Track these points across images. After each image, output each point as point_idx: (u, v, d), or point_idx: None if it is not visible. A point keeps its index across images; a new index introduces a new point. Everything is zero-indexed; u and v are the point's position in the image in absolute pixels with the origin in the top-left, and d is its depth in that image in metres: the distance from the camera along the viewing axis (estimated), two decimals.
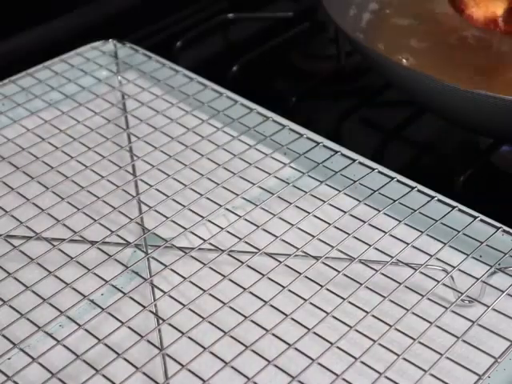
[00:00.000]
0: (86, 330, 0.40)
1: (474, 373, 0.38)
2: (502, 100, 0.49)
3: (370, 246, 0.44)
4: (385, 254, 0.44)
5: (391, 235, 0.45)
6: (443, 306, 0.41)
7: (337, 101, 0.69)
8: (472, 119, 0.53)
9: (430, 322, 0.40)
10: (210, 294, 0.42)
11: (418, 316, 0.41)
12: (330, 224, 0.46)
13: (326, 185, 0.49)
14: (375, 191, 0.48)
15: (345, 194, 0.49)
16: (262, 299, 0.42)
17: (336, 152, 0.51)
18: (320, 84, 0.68)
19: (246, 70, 0.68)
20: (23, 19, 0.67)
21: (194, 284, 0.42)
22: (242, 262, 0.43)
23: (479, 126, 0.55)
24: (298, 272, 0.43)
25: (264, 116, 0.54)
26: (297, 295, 0.42)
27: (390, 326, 0.40)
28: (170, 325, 0.40)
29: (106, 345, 0.39)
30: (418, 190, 0.48)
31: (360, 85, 0.70)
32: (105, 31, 0.64)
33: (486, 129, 0.55)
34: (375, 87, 0.66)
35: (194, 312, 0.41)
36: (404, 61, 0.57)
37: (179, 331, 0.40)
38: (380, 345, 0.39)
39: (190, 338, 0.40)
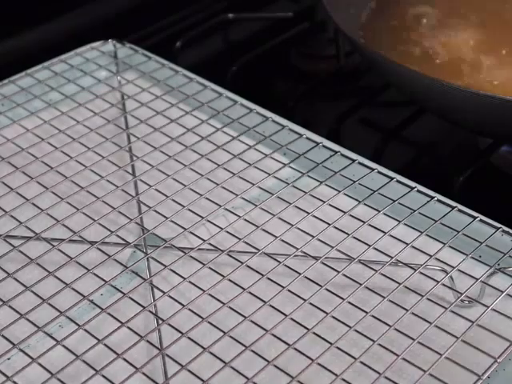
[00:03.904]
0: (86, 331, 0.40)
1: (474, 373, 0.38)
2: (502, 100, 0.49)
3: (369, 246, 0.44)
4: (384, 254, 0.44)
5: (391, 235, 0.45)
6: (443, 307, 0.41)
7: (336, 101, 0.69)
8: (472, 119, 0.53)
9: (429, 322, 0.40)
10: (210, 295, 0.42)
11: (417, 316, 0.41)
12: (329, 224, 0.46)
13: (326, 185, 0.49)
14: (375, 191, 0.48)
15: (344, 194, 0.49)
16: (261, 299, 0.41)
17: (335, 152, 0.51)
18: (319, 84, 0.68)
19: (246, 70, 0.68)
20: (23, 19, 0.67)
21: (193, 284, 0.42)
22: (242, 263, 0.43)
23: (479, 126, 0.55)
24: (298, 272, 0.43)
25: (263, 116, 0.54)
26: (296, 295, 0.42)
27: (390, 326, 0.40)
28: (169, 325, 0.40)
29: (105, 345, 0.39)
30: (418, 191, 0.48)
31: (360, 85, 0.70)
32: (104, 31, 0.64)
33: (486, 129, 0.55)
34: (375, 87, 0.66)
35: (193, 312, 0.41)
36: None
37: (179, 331, 0.40)
38: (379, 345, 0.39)
39: (189, 338, 0.40)
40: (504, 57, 0.59)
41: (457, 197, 0.49)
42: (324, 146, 0.52)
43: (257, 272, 0.43)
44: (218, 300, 0.41)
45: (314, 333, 0.40)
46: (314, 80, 0.68)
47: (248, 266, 0.43)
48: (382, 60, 0.54)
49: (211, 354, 0.39)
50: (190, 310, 0.41)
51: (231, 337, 0.40)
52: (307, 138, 0.52)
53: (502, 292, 0.42)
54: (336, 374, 0.38)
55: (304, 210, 0.47)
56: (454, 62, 0.59)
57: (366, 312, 0.41)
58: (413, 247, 0.45)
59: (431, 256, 0.44)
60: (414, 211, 0.47)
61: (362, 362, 0.38)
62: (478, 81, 0.57)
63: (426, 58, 0.60)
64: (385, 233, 0.45)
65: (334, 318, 0.41)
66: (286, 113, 0.57)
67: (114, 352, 0.39)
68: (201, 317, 0.40)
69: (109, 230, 0.46)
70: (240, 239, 0.45)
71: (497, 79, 0.57)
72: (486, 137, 0.59)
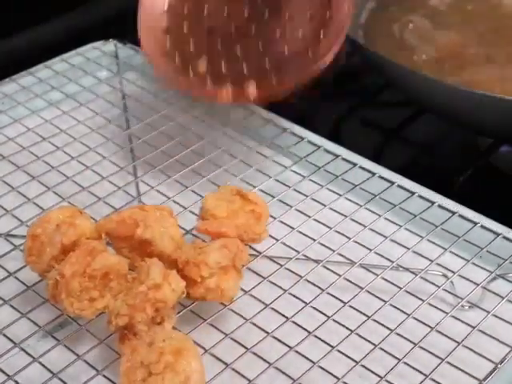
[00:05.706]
0: (87, 331, 0.40)
1: (474, 377, 0.38)
2: (501, 100, 0.49)
3: (370, 250, 0.45)
4: (385, 258, 0.44)
5: (392, 240, 0.45)
6: (443, 311, 0.41)
7: (337, 101, 0.68)
8: (472, 119, 0.53)
9: (430, 326, 0.40)
10: None
11: (418, 320, 0.41)
12: (330, 228, 0.46)
13: (327, 189, 0.49)
14: (376, 196, 0.48)
15: (346, 198, 0.49)
16: (263, 302, 0.42)
17: (337, 156, 0.51)
18: (320, 84, 0.68)
19: None
20: (23, 19, 0.67)
21: None
22: (243, 265, 0.43)
23: (479, 126, 0.55)
24: (299, 275, 0.43)
25: (265, 119, 0.54)
26: (298, 298, 0.42)
27: (391, 330, 0.40)
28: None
29: (107, 345, 0.39)
30: (419, 196, 0.48)
31: (360, 85, 0.70)
32: (105, 31, 0.64)
33: (486, 129, 0.55)
34: (375, 87, 0.66)
35: (195, 314, 0.41)
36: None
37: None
38: (381, 349, 0.39)
39: None
40: (506, 57, 0.60)
41: (457, 197, 0.49)
42: (325, 150, 0.52)
43: (258, 275, 0.43)
44: (220, 303, 0.42)
45: (316, 336, 0.40)
46: (315, 80, 0.68)
47: (250, 269, 0.44)
48: (382, 60, 0.54)
49: (212, 355, 0.39)
50: (191, 311, 0.41)
51: (232, 339, 0.40)
52: (308, 142, 0.52)
53: (503, 298, 0.42)
54: (337, 377, 0.38)
55: (305, 214, 0.47)
56: (455, 62, 0.59)
57: (368, 316, 0.41)
58: (414, 252, 0.45)
59: (432, 261, 0.44)
60: (416, 216, 0.47)
61: (363, 366, 0.38)
62: (478, 81, 0.57)
63: (426, 58, 0.60)
64: (386, 237, 0.45)
65: (335, 321, 0.41)
66: (287, 114, 0.57)
67: (116, 352, 0.39)
68: (203, 318, 0.41)
69: None
70: None
71: (498, 79, 0.57)
72: (486, 137, 0.59)
